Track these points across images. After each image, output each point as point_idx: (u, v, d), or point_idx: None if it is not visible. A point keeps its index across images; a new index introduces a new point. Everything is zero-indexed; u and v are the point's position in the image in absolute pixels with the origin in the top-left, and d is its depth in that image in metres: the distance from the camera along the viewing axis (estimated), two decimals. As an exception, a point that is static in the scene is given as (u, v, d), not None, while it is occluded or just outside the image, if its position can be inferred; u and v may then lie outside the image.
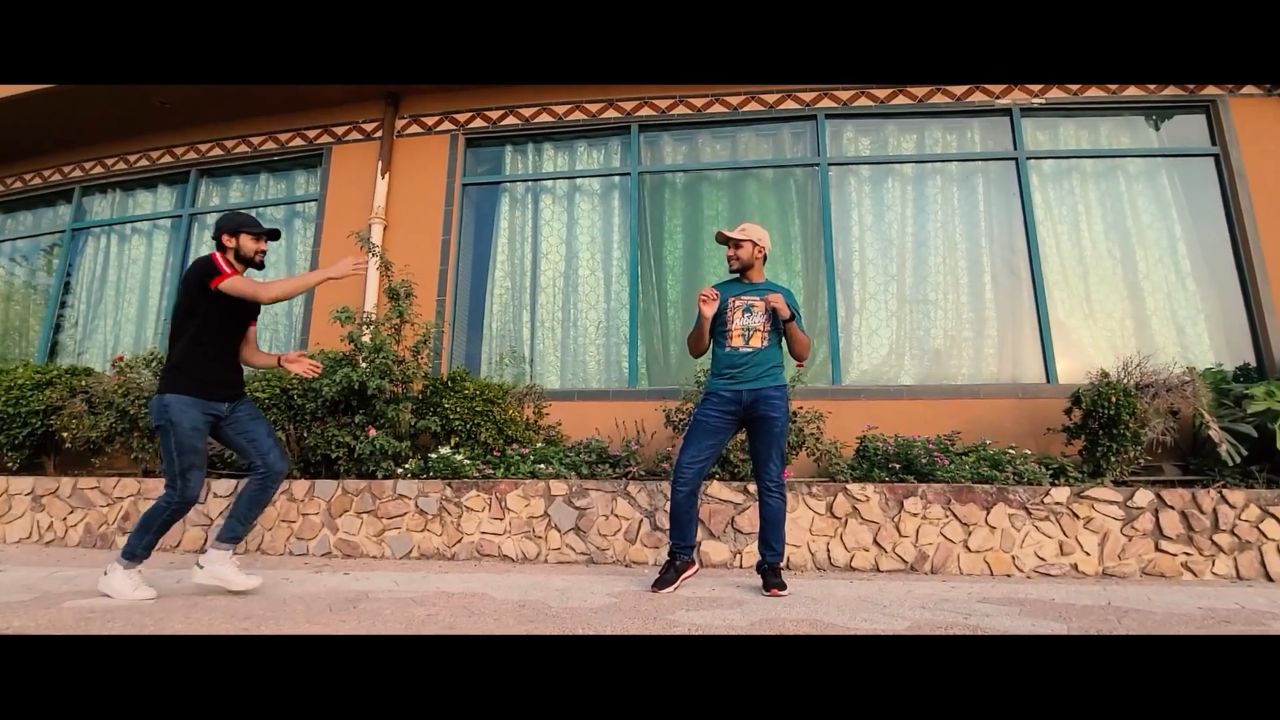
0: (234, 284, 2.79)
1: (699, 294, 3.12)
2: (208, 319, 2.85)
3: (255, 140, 6.23)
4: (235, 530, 2.94)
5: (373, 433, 4.11)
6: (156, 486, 4.24)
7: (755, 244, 3.15)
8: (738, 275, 3.22)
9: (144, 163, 6.44)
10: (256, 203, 6.28)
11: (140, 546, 2.78)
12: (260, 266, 3.04)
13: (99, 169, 6.57)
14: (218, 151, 6.29)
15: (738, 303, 3.12)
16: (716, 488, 3.85)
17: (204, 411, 2.80)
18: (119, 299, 6.36)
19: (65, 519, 4.34)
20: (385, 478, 4.13)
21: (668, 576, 3.00)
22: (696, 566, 3.15)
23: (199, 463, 2.79)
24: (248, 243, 2.95)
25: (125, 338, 6.24)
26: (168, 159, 6.39)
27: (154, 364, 4.58)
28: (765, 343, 3.07)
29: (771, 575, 2.98)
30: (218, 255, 2.87)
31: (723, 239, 3.21)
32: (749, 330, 3.07)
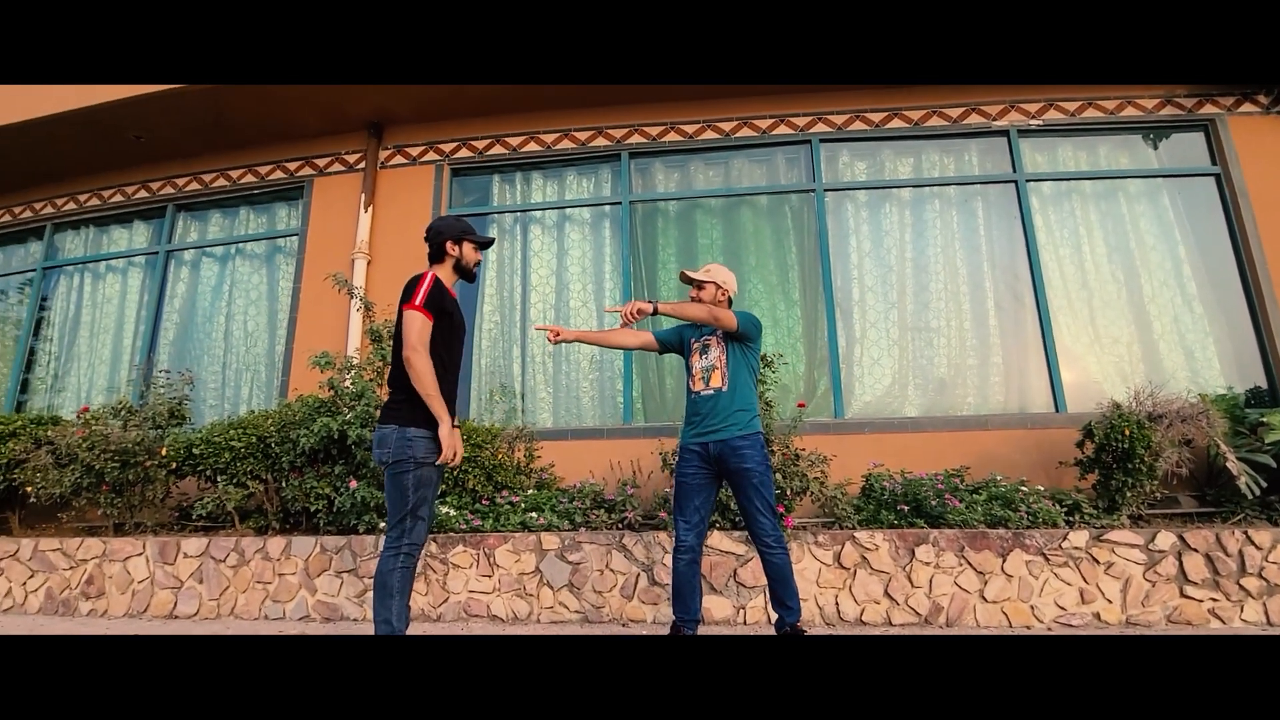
0: (412, 319, 2.46)
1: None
2: (433, 343, 2.52)
3: (234, 174, 6.04)
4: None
5: (354, 484, 3.90)
6: (123, 546, 4.01)
7: (719, 286, 2.95)
8: None
9: (118, 198, 6.24)
10: (236, 237, 6.08)
11: (396, 618, 2.37)
12: (473, 279, 2.78)
13: (71, 205, 6.36)
14: (195, 186, 6.09)
15: (696, 345, 2.95)
16: (717, 538, 3.65)
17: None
18: (93, 340, 6.13)
19: (25, 584, 4.08)
20: (367, 532, 3.91)
21: None
22: None
23: (430, 511, 2.53)
24: (470, 252, 2.70)
25: (99, 379, 6.00)
26: (143, 194, 6.19)
27: (123, 413, 4.35)
28: (726, 383, 2.82)
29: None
30: (427, 277, 2.55)
31: (686, 279, 3.04)
32: (708, 370, 2.87)
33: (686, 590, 2.77)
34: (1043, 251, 5.06)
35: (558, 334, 2.86)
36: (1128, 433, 3.79)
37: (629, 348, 3.12)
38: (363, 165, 5.74)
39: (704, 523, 2.83)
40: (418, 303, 2.48)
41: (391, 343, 3.96)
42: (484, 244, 2.77)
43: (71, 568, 4.04)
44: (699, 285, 2.98)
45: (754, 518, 2.73)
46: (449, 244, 2.66)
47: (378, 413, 4.01)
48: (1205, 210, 5.11)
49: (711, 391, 2.82)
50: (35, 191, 6.45)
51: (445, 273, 2.68)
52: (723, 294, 2.98)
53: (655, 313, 2.74)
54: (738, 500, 2.81)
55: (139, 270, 6.23)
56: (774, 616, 2.81)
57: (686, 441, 2.86)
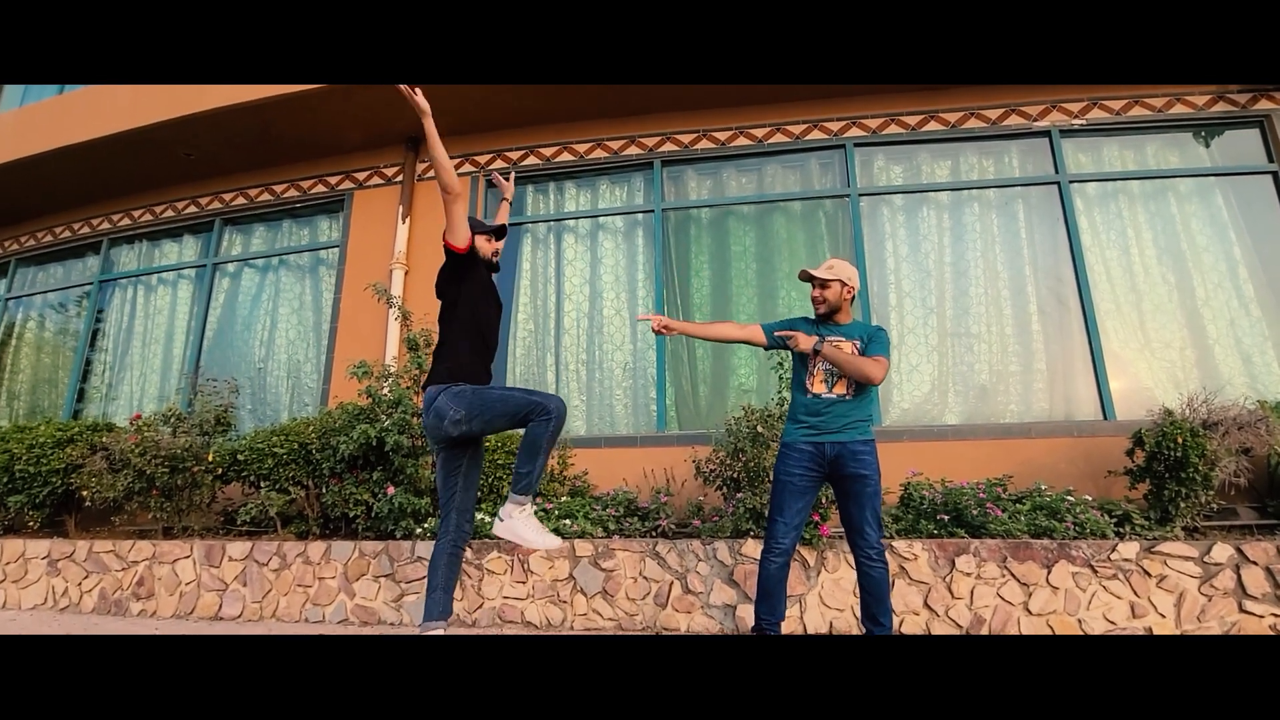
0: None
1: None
2: (469, 304, 2.79)
3: (278, 188, 6.23)
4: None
5: (391, 490, 3.96)
6: (172, 549, 4.14)
7: (844, 284, 2.77)
8: (823, 316, 2.85)
9: (169, 213, 6.49)
10: (279, 250, 6.27)
11: (535, 479, 2.64)
12: (496, 269, 2.99)
13: (126, 221, 6.64)
14: (241, 200, 6.31)
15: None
16: (751, 546, 3.61)
17: None
18: (144, 350, 6.37)
19: (80, 584, 4.25)
20: (404, 537, 3.97)
21: None
22: None
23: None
24: (482, 244, 2.87)
25: (150, 388, 6.23)
26: (192, 209, 6.43)
27: (172, 420, 4.50)
28: (851, 391, 2.70)
29: None
30: None
31: (806, 277, 2.83)
32: (833, 374, 2.72)
33: (777, 592, 2.68)
34: (1088, 254, 4.91)
35: (666, 326, 2.80)
36: (1180, 441, 3.64)
37: (732, 339, 2.98)
38: (401, 178, 5.87)
39: (802, 526, 2.75)
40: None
41: (428, 350, 4.02)
42: (495, 233, 2.92)
43: (124, 569, 4.19)
44: (822, 284, 2.78)
45: (861, 528, 2.63)
46: None
47: (415, 420, 4.10)
48: (1262, 209, 4.90)
49: (834, 396, 2.71)
50: (93, 208, 6.76)
51: None
52: (848, 291, 2.80)
53: (817, 354, 2.69)
54: (845, 508, 2.70)
55: (188, 282, 6.47)
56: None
57: (796, 440, 2.74)
